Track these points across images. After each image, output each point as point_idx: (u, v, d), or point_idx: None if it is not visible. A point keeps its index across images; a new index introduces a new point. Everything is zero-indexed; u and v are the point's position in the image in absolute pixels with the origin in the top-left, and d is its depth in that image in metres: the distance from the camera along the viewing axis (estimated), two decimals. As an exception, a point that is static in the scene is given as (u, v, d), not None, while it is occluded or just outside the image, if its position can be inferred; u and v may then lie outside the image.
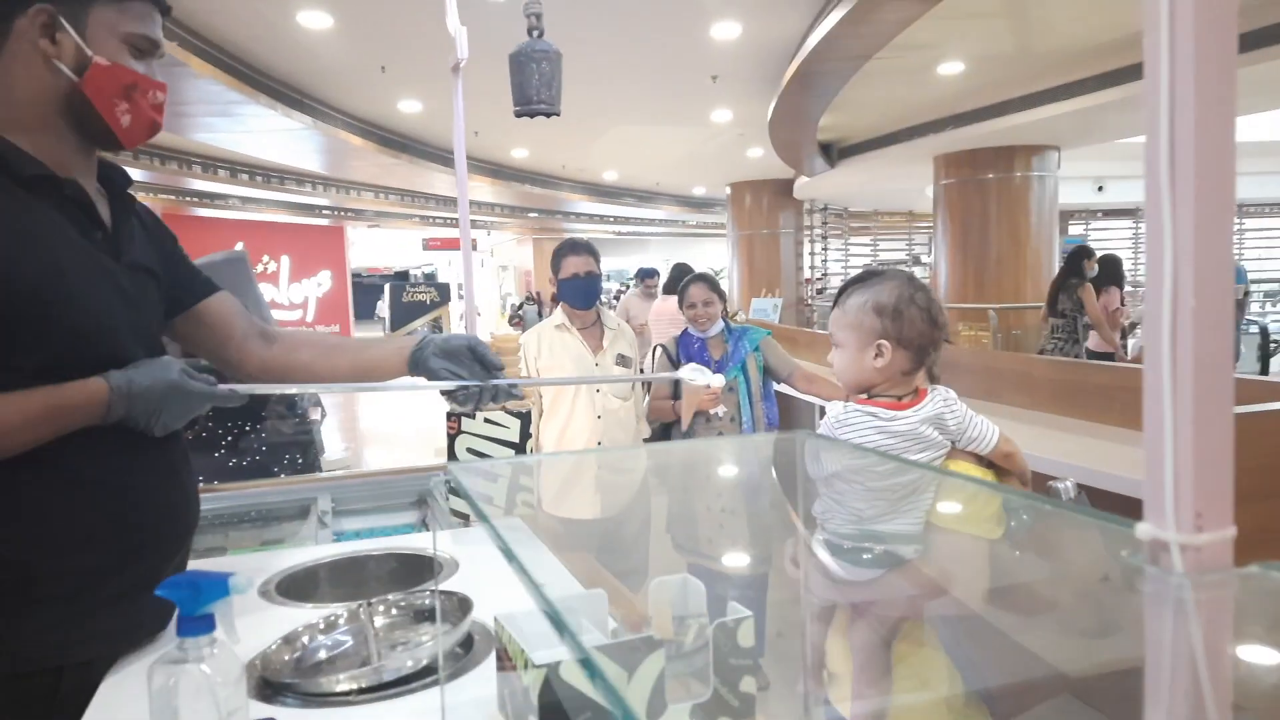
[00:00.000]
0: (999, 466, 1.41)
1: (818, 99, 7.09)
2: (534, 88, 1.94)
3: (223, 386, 1.20)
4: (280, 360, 1.42)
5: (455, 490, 0.82)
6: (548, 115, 2.01)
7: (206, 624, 0.84)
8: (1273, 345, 8.00)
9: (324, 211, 15.80)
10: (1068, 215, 12.80)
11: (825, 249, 13.46)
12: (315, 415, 3.42)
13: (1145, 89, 0.41)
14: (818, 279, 13.20)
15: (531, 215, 18.18)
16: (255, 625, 1.36)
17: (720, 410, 3.24)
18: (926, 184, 10.30)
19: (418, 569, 1.64)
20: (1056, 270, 9.53)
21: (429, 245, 24.50)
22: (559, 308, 3.27)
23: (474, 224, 21.43)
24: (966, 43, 6.46)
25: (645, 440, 3.39)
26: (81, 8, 1.13)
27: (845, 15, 5.03)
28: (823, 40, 5.45)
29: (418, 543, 1.80)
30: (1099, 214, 16.31)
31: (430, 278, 30.62)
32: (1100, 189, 14.05)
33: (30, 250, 1.08)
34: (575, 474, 3.24)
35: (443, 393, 1.38)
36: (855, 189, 12.70)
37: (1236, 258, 7.79)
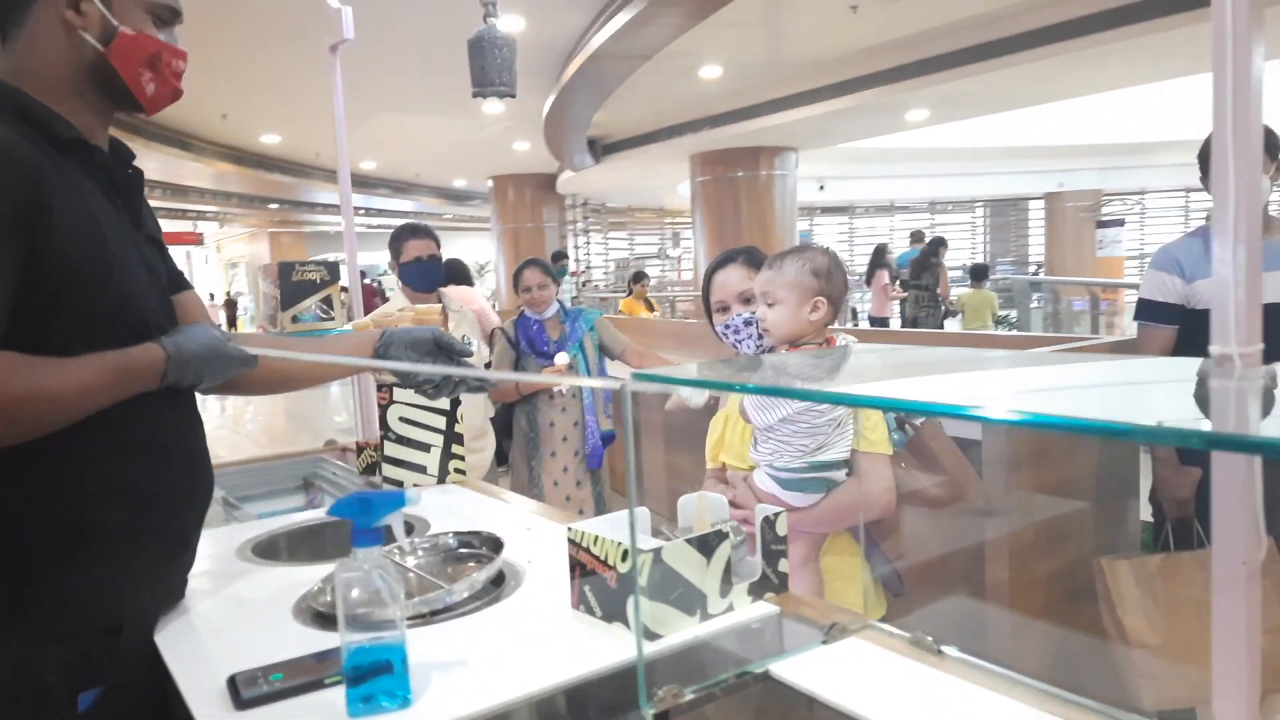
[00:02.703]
0: None
1: (596, 96, 7.41)
2: (495, 70, 2.01)
3: (249, 349, 1.21)
4: None
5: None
6: (502, 97, 2.08)
7: (377, 536, 0.92)
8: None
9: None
10: (796, 211, 14.28)
11: (588, 242, 13.93)
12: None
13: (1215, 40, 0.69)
14: (582, 271, 13.63)
15: (272, 206, 17.01)
16: (261, 583, 1.37)
17: (563, 387, 3.42)
18: (678, 181, 11.02)
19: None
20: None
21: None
22: (399, 292, 3.28)
23: (201, 215, 19.61)
24: (725, 48, 7.06)
25: (491, 419, 3.49)
26: None
27: (633, 17, 5.36)
28: (610, 39, 5.76)
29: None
30: (819, 210, 18.31)
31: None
32: (822, 188, 15.76)
33: (83, 216, 1.05)
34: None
35: (411, 383, 1.40)
36: (615, 185, 13.26)
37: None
